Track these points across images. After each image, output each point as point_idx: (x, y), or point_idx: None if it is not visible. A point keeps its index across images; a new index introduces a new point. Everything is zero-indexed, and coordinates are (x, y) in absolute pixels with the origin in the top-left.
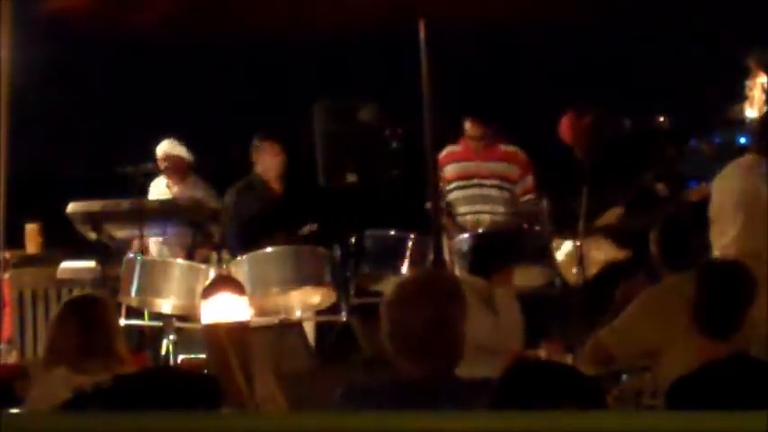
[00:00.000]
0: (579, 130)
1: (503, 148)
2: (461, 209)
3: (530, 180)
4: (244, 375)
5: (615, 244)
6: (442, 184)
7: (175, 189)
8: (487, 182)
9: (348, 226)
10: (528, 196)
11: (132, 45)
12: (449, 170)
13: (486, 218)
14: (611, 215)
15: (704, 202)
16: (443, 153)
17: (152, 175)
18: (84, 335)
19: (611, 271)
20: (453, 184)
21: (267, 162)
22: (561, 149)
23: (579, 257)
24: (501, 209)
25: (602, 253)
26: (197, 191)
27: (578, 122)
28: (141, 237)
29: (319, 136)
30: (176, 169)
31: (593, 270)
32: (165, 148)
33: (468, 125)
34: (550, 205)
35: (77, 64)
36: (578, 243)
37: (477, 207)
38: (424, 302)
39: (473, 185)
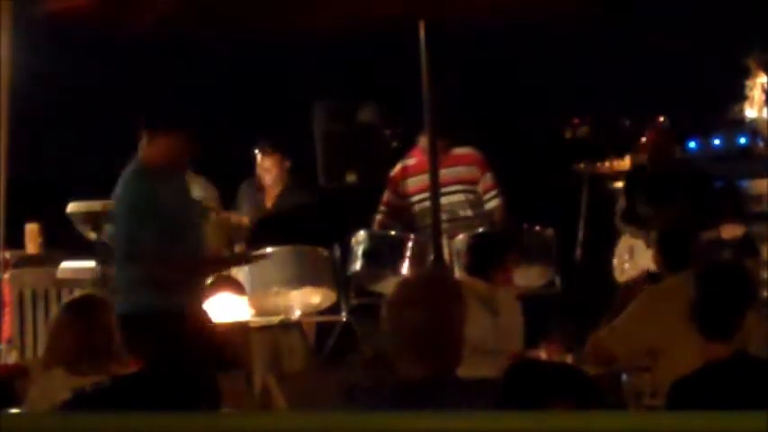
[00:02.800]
0: (664, 144)
1: (456, 151)
2: (428, 220)
3: (489, 178)
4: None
5: None
6: (392, 200)
7: None
8: (449, 188)
9: (348, 226)
10: (489, 194)
11: (132, 45)
12: (407, 184)
13: (456, 226)
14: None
15: (704, 202)
16: (397, 168)
17: None
18: (83, 335)
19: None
20: (415, 198)
21: (263, 176)
22: (559, 148)
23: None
24: (469, 212)
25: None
26: (194, 186)
27: (666, 137)
28: None
29: (319, 136)
30: None
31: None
32: None
33: (424, 140)
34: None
35: (77, 64)
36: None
37: (444, 216)
38: (425, 303)
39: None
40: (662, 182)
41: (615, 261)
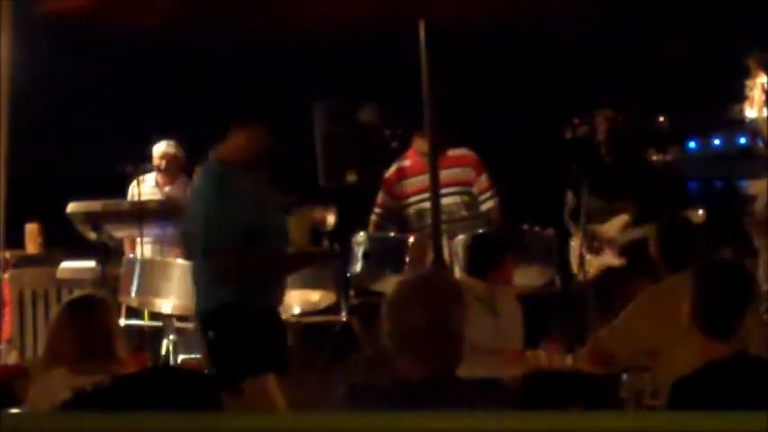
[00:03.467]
0: (611, 128)
1: (452, 153)
2: (426, 221)
3: (484, 179)
4: None
5: (613, 253)
6: (387, 202)
7: (167, 189)
8: (446, 190)
9: (348, 226)
10: (485, 195)
11: (132, 45)
12: (403, 186)
13: (455, 226)
14: (617, 223)
15: (703, 199)
16: (392, 170)
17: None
18: (83, 335)
19: (609, 276)
20: (411, 199)
21: None
22: (559, 148)
23: (580, 257)
24: (465, 214)
25: (602, 257)
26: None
27: (612, 121)
28: (137, 238)
29: (319, 136)
30: (171, 169)
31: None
32: (164, 147)
33: (419, 142)
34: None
35: (77, 64)
36: (579, 244)
37: (443, 217)
38: (425, 303)
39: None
40: (614, 177)
41: (571, 256)
